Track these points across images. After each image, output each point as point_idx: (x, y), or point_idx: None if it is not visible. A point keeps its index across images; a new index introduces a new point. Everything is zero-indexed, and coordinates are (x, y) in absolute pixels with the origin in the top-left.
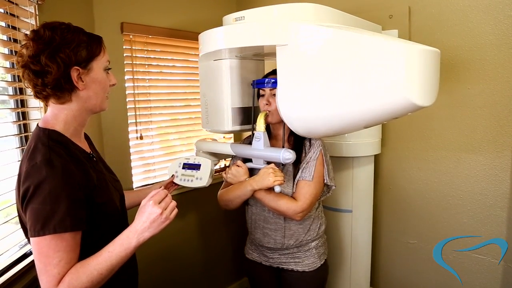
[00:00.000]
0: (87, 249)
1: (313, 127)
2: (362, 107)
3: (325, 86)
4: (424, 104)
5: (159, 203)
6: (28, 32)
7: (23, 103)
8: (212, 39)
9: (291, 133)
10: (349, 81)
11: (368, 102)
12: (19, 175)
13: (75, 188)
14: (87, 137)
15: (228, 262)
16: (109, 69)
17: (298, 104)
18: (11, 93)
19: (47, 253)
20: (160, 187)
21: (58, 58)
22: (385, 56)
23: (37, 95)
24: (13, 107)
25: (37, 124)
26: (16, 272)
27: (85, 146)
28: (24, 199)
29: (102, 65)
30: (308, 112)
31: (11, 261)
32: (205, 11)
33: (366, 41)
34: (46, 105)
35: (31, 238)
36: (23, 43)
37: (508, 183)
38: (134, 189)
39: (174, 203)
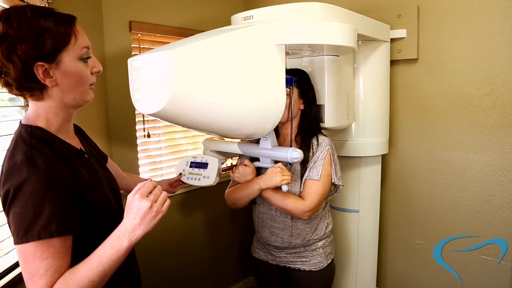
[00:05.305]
0: (81, 255)
1: None
2: None
3: None
4: (144, 111)
5: (148, 196)
6: None
7: None
8: None
9: (299, 132)
10: None
11: None
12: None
13: (61, 189)
14: (80, 131)
15: (235, 261)
16: (89, 57)
17: None
18: None
19: (33, 261)
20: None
21: (13, 56)
22: None
23: (10, 92)
24: (22, 105)
25: (20, 121)
26: (19, 273)
27: (75, 142)
28: (6, 202)
29: (75, 54)
30: None
31: (14, 262)
32: (212, 10)
33: None
34: (26, 101)
35: (15, 246)
36: None
37: None
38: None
39: (164, 193)
